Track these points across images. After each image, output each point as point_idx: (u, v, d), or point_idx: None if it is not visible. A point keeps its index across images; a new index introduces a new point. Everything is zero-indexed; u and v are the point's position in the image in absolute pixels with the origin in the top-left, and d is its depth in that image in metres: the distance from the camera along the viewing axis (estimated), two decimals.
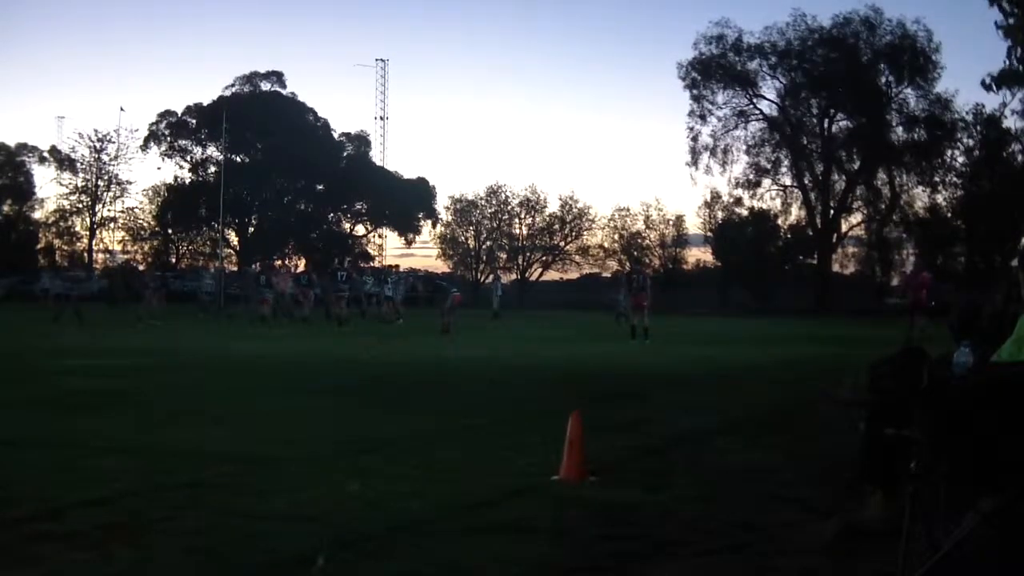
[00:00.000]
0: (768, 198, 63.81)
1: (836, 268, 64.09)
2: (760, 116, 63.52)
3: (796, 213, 63.94)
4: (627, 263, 67.30)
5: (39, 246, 75.87)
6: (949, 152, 60.59)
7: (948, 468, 4.25)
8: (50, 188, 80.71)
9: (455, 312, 30.19)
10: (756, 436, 9.33)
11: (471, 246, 73.92)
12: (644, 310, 25.01)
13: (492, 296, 44.46)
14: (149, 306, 32.52)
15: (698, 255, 70.98)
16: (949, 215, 60.94)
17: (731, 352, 21.47)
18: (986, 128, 58.83)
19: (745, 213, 63.99)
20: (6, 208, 74.70)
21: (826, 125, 62.24)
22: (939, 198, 61.32)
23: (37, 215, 76.64)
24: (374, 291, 36.40)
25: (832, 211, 62.01)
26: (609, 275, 72.59)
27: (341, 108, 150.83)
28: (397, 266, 43.75)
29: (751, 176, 62.98)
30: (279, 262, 58.30)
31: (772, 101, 63.19)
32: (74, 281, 36.48)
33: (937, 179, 60.75)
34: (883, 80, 60.38)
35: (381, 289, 35.79)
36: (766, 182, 63.41)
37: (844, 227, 63.11)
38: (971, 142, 60.20)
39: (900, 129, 60.99)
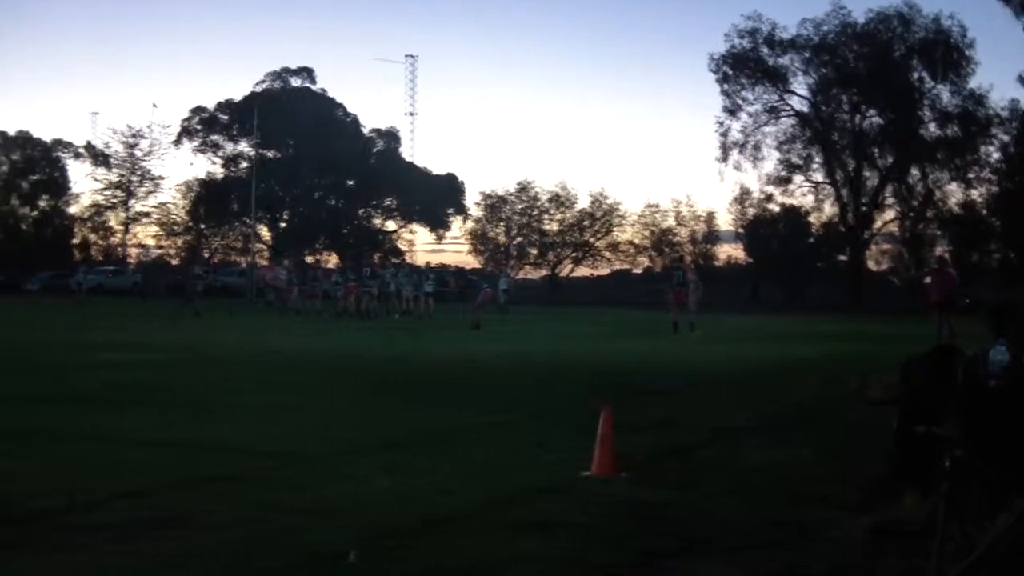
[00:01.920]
0: (799, 194, 63.47)
1: (870, 265, 63.68)
2: (791, 112, 63.17)
3: (828, 210, 63.54)
4: (657, 260, 67.35)
5: (74, 241, 76.56)
6: (983, 148, 60.01)
7: (982, 467, 4.21)
8: (85, 183, 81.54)
9: (484, 308, 30.23)
10: (786, 433, 9.28)
11: (501, 242, 73.94)
12: (684, 307, 25.26)
13: (497, 292, 42.69)
14: (289, 299, 32.98)
15: (729, 251, 70.72)
16: (984, 212, 60.32)
17: (761, 349, 21.36)
18: (1021, 124, 58.17)
19: (776, 209, 63.62)
20: (42, 203, 75.40)
21: (858, 121, 61.76)
22: (974, 194, 60.75)
23: (72, 210, 77.40)
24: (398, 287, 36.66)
25: (864, 208, 61.53)
26: (640, 271, 72.56)
27: (371, 104, 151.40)
28: (402, 262, 43.76)
29: (782, 172, 62.59)
30: (310, 258, 58.65)
31: (803, 97, 62.81)
32: (196, 276, 37.05)
33: (971, 175, 60.14)
34: (916, 76, 59.89)
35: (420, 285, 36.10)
36: (797, 178, 63.00)
37: (877, 224, 62.67)
38: (1006, 138, 59.58)
39: (933, 125, 60.48)
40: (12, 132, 74.46)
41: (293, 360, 16.80)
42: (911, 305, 35.84)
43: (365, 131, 77.05)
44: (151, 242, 76.70)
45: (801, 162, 62.88)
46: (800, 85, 62.68)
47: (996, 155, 60.15)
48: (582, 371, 15.70)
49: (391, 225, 79.00)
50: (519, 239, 73.76)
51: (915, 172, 61.11)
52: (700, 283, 26.96)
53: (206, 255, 72.19)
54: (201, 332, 23.99)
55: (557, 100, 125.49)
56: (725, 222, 68.26)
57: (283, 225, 75.92)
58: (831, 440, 8.65)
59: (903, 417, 4.96)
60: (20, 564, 4.59)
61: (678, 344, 22.35)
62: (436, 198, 74.08)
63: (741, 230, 65.00)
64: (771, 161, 63.62)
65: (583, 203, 72.98)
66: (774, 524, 5.54)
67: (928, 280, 22.16)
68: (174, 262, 72.89)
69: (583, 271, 75.98)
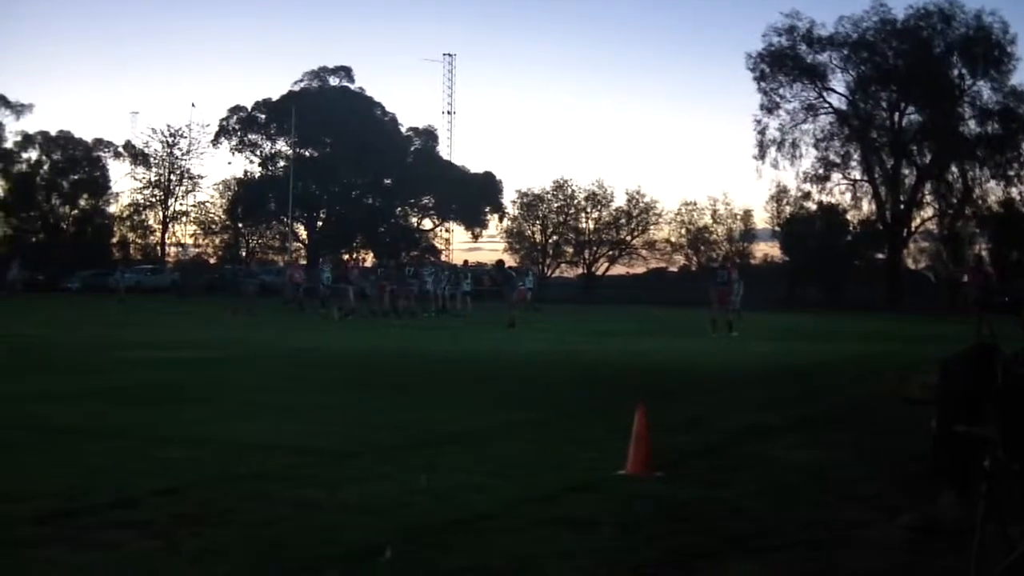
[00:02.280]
0: (837, 192, 63.13)
1: (909, 263, 63.20)
2: (829, 109, 62.79)
3: (866, 208, 63.13)
4: (694, 258, 67.17)
5: (114, 240, 77.32)
6: None
7: (1022, 467, 4.17)
8: (125, 183, 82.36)
9: (519, 306, 30.27)
10: (821, 433, 9.23)
11: (538, 240, 73.97)
12: (725, 306, 25.49)
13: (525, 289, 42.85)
14: (346, 300, 33.44)
15: (766, 250, 70.42)
16: None
17: (797, 348, 21.25)
18: None
19: (813, 207, 63.30)
20: (83, 202, 76.23)
21: (896, 119, 61.29)
22: (1013, 192, 60.16)
23: (112, 209, 78.21)
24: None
25: (903, 206, 61.06)
26: (676, 270, 72.48)
27: (409, 103, 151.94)
28: (437, 260, 44.11)
29: (819, 170, 62.33)
30: (348, 256, 58.88)
31: (841, 94, 62.47)
32: (249, 275, 37.73)
33: (1011, 173, 59.59)
34: (956, 73, 59.39)
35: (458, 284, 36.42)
36: (835, 176, 62.73)
37: (915, 222, 62.16)
38: None
39: (973, 122, 59.99)
40: (54, 132, 75.38)
41: (328, 358, 16.90)
42: (950, 303, 35.56)
43: (403, 130, 77.38)
44: (189, 241, 77.48)
45: (839, 160, 62.60)
46: (838, 82, 62.43)
47: None
48: (617, 369, 15.70)
49: (428, 224, 79.29)
50: (555, 237, 73.80)
51: (954, 169, 60.63)
52: (742, 283, 27.09)
53: (243, 254, 72.80)
54: (237, 330, 24.17)
55: (594, 98, 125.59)
56: (762, 220, 68.08)
57: (320, 224, 76.34)
58: (867, 439, 8.59)
59: (943, 416, 4.92)
60: (58, 560, 4.64)
61: (715, 342, 22.29)
62: (473, 197, 74.30)
63: (778, 228, 64.75)
64: (808, 159, 63.40)
65: (619, 201, 72.97)
66: (808, 524, 5.51)
67: (966, 278, 22.04)
68: (212, 261, 73.49)
69: (619, 269, 76.01)
